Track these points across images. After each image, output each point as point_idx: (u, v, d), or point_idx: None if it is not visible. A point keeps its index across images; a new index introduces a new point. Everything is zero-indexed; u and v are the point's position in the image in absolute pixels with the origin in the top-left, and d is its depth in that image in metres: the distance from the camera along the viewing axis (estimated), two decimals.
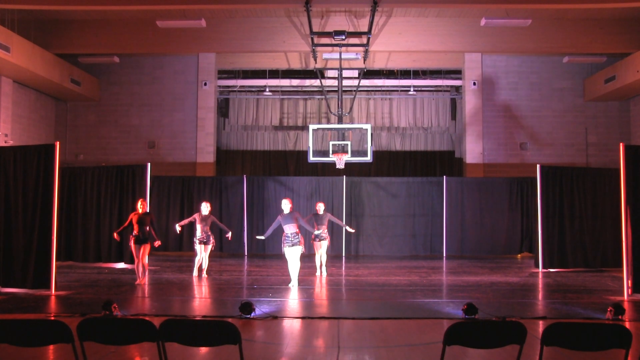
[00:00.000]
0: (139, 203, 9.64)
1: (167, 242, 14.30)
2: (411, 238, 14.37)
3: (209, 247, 10.31)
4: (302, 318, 6.88)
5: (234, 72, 17.29)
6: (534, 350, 4.63)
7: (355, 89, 16.09)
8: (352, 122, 16.89)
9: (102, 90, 16.97)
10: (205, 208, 10.37)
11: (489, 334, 3.84)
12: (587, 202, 11.57)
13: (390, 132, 17.82)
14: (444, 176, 14.72)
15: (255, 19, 15.33)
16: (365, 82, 16.69)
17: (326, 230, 10.46)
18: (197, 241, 10.24)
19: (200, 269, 10.37)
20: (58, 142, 8.67)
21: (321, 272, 10.47)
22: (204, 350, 5.19)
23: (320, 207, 10.60)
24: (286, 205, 9.23)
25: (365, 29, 14.38)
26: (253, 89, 17.52)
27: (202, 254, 10.25)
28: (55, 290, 8.41)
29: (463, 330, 3.87)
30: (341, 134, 14.31)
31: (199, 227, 10.23)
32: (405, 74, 17.16)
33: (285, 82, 17.21)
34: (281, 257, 13.79)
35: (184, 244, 14.27)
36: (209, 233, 10.28)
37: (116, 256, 11.96)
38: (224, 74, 17.34)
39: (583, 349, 3.78)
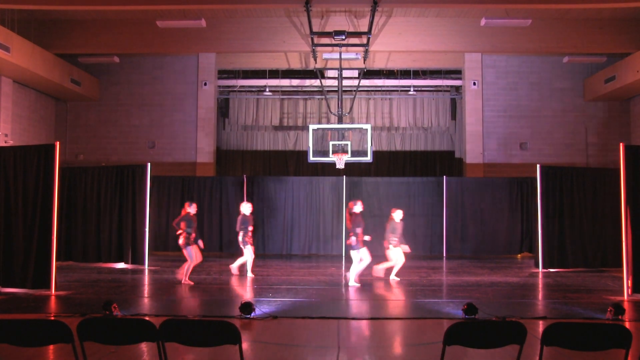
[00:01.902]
0: (194, 205, 9.71)
1: (167, 242, 14.32)
2: (411, 238, 14.25)
3: (250, 247, 10.35)
4: (302, 318, 6.88)
5: (234, 72, 17.29)
6: (534, 350, 4.62)
7: (355, 89, 16.09)
8: (352, 122, 16.89)
9: (102, 90, 16.97)
10: (248, 209, 10.41)
11: (489, 334, 3.84)
12: (587, 202, 11.56)
13: (390, 132, 17.82)
14: (444, 176, 14.71)
15: (255, 19, 15.33)
16: (365, 82, 16.68)
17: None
18: (246, 242, 10.18)
19: (241, 269, 10.48)
20: (58, 142, 8.66)
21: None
22: (204, 350, 5.18)
23: (399, 215, 10.10)
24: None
25: (365, 29, 14.38)
26: (253, 89, 17.52)
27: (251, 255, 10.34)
28: (55, 290, 8.41)
29: (463, 330, 3.87)
30: (341, 134, 14.31)
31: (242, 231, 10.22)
32: (405, 74, 17.15)
33: (285, 82, 17.20)
34: (281, 257, 13.84)
35: None
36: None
37: (116, 256, 11.96)
38: (224, 74, 17.33)
39: (583, 349, 3.78)
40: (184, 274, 9.54)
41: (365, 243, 9.26)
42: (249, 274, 10.29)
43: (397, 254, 9.85)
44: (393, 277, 9.69)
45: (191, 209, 9.61)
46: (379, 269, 9.97)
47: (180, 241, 9.46)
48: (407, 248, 9.95)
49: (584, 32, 15.00)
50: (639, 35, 14.75)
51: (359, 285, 9.28)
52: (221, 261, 13.04)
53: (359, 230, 9.16)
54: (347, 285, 9.33)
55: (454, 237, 14.19)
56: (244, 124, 17.80)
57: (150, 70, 16.94)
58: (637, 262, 8.12)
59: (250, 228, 10.35)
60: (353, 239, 9.14)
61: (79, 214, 12.19)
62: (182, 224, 9.42)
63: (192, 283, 9.48)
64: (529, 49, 15.48)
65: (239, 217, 10.39)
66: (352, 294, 8.83)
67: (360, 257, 9.22)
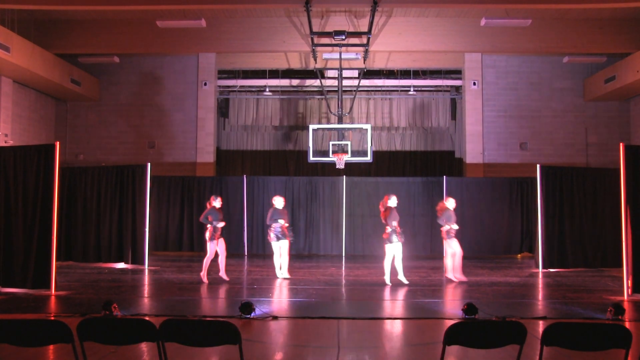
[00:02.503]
0: (219, 199, 9.72)
1: (167, 242, 14.33)
2: (411, 238, 14.29)
3: (286, 243, 10.01)
4: (302, 318, 6.88)
5: (234, 72, 17.28)
6: (534, 350, 4.63)
7: (355, 89, 16.09)
8: (352, 122, 16.88)
9: (102, 90, 16.97)
10: (280, 202, 10.06)
11: (489, 334, 3.84)
12: (587, 202, 11.56)
13: (390, 132, 17.81)
14: (444, 176, 14.70)
15: (255, 19, 15.33)
16: (365, 82, 16.67)
17: None
18: (274, 237, 9.87)
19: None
20: (58, 142, 8.67)
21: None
22: (204, 350, 5.18)
23: (452, 203, 10.06)
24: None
25: (365, 29, 14.38)
26: (253, 89, 17.51)
27: (280, 252, 10.00)
28: (55, 290, 8.41)
29: (463, 330, 3.87)
30: (341, 134, 14.31)
31: (274, 223, 9.88)
32: (405, 74, 17.14)
33: (285, 82, 17.20)
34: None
35: (184, 243, 14.29)
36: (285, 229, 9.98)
37: (116, 256, 11.96)
38: (224, 74, 17.33)
39: (583, 349, 3.78)
40: (221, 269, 9.65)
41: (402, 237, 9.33)
42: (284, 273, 10.03)
43: (456, 245, 9.78)
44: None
45: (216, 202, 9.66)
46: (449, 270, 9.86)
47: (207, 235, 9.53)
48: (456, 226, 9.92)
49: (584, 32, 15.00)
50: (639, 35, 14.75)
51: (389, 284, 9.29)
52: None
53: (395, 223, 9.24)
54: (384, 282, 9.34)
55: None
56: (244, 124, 17.79)
57: (150, 70, 16.93)
58: (637, 262, 8.12)
59: (283, 222, 9.83)
60: (389, 230, 9.20)
61: (79, 214, 12.19)
62: (209, 218, 9.49)
63: (206, 281, 9.54)
64: (529, 49, 15.48)
65: (270, 210, 10.04)
66: (351, 294, 8.83)
67: (394, 252, 9.25)
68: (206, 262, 9.61)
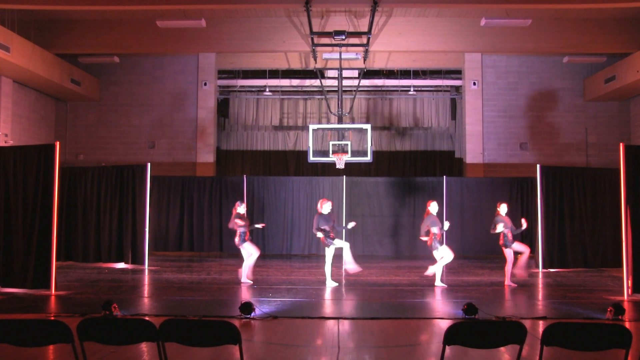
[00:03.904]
0: (244, 205, 9.75)
1: (167, 242, 14.32)
2: (411, 238, 14.34)
3: (345, 245, 9.72)
4: (302, 318, 6.88)
5: (234, 72, 17.28)
6: (534, 350, 4.63)
7: (355, 89, 16.08)
8: (352, 122, 16.88)
9: (102, 90, 16.97)
10: (327, 207, 9.54)
11: (489, 334, 3.84)
12: (587, 202, 11.57)
13: (390, 132, 17.81)
14: (444, 176, 14.69)
15: (255, 19, 15.32)
16: (365, 82, 16.66)
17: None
18: (328, 243, 9.38)
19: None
20: (58, 142, 8.68)
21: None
22: (204, 350, 5.18)
23: (504, 208, 9.87)
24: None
25: (365, 29, 14.37)
26: (253, 89, 17.50)
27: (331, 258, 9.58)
28: (55, 290, 8.41)
29: (463, 330, 3.87)
30: (341, 134, 14.30)
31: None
32: (405, 74, 17.13)
33: (285, 82, 17.19)
34: (281, 257, 13.84)
35: (184, 243, 14.28)
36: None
37: (116, 256, 11.96)
38: (224, 74, 17.33)
39: (583, 349, 3.78)
40: (242, 273, 9.62)
41: (442, 240, 9.40)
42: (350, 266, 9.62)
43: (521, 247, 9.61)
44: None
45: (241, 208, 9.67)
46: (514, 271, 9.70)
47: (236, 240, 9.55)
48: (526, 224, 9.75)
49: (584, 32, 14.99)
50: (639, 35, 14.75)
51: (446, 286, 9.29)
52: (221, 261, 13.04)
53: (436, 229, 9.24)
54: (434, 285, 9.35)
55: (454, 237, 14.15)
56: (244, 124, 17.79)
57: (150, 70, 16.93)
58: (637, 262, 8.13)
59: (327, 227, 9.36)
60: (427, 238, 9.30)
61: (79, 214, 12.19)
62: (237, 223, 9.52)
63: (250, 282, 9.55)
64: (529, 49, 15.48)
65: (316, 216, 9.57)
66: (351, 294, 8.82)
67: (442, 255, 9.29)
68: (246, 265, 9.59)
